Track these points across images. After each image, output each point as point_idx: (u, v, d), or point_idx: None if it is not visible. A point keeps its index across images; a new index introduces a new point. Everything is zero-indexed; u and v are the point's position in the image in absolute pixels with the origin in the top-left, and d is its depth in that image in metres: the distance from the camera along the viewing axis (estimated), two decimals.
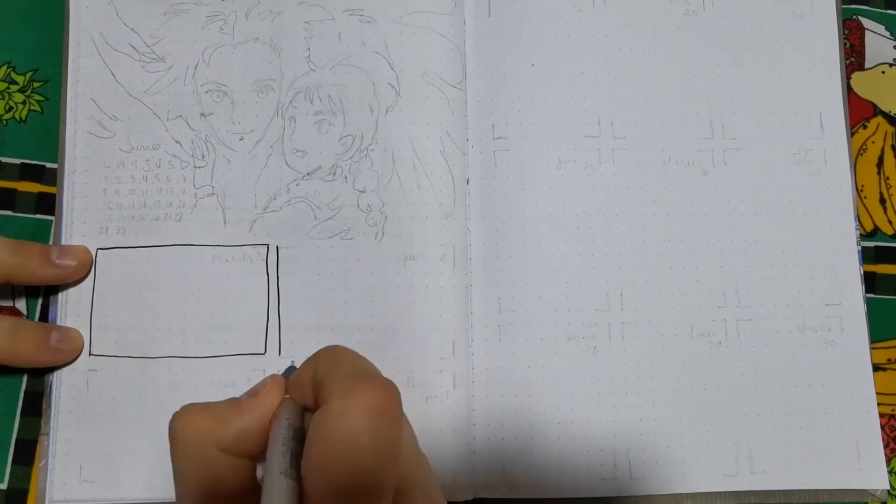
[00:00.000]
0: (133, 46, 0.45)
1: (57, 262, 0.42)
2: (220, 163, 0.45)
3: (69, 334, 0.42)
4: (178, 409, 0.41)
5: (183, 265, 0.43)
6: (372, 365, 0.31)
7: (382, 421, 0.28)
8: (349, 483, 0.26)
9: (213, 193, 0.44)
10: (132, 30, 0.46)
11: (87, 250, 0.43)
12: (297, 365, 0.36)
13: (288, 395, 0.31)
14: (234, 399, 0.31)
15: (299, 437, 0.29)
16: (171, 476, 0.41)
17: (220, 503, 0.29)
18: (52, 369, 0.42)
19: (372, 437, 0.27)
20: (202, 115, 0.45)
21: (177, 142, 0.45)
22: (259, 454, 0.30)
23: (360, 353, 0.42)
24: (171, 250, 0.44)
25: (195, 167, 0.45)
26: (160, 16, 0.46)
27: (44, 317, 0.44)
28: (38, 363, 0.42)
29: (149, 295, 0.43)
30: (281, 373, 0.34)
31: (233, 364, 0.43)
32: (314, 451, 0.27)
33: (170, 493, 0.41)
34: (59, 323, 0.43)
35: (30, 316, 0.44)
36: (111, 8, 0.46)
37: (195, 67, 0.45)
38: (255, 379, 0.42)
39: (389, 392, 0.28)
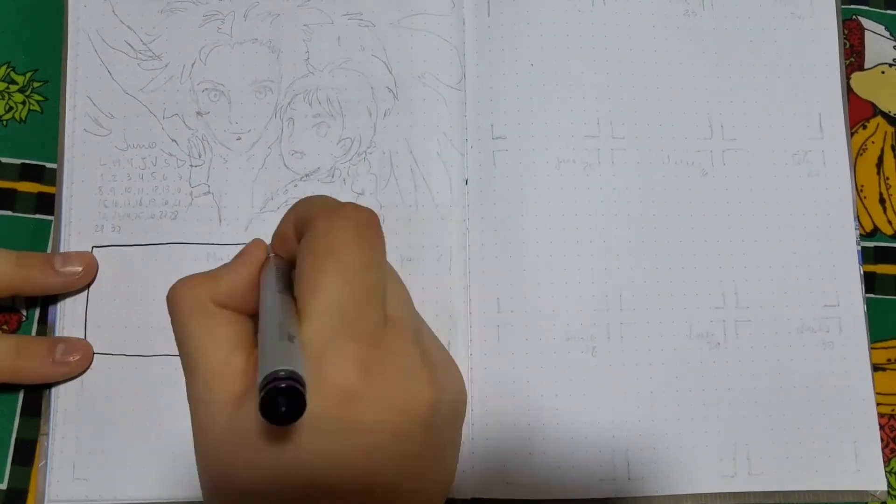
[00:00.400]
0: (129, 44, 0.46)
1: (61, 269, 0.42)
2: (216, 162, 0.45)
3: (75, 345, 0.42)
4: (172, 406, 0.42)
5: (178, 264, 0.43)
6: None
7: (367, 232, 0.29)
8: (344, 291, 0.28)
9: (208, 192, 0.44)
10: (128, 27, 0.46)
11: (91, 255, 0.43)
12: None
13: (272, 254, 0.33)
14: (224, 264, 0.33)
15: (289, 284, 0.30)
16: (169, 475, 0.42)
17: (226, 354, 0.30)
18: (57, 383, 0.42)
19: (358, 247, 0.29)
20: (199, 113, 0.45)
21: (173, 140, 0.45)
22: (254, 310, 0.31)
23: None
24: (166, 248, 0.44)
25: (191, 166, 0.45)
26: (157, 13, 0.46)
27: (44, 316, 0.43)
28: (45, 379, 0.42)
29: (144, 293, 0.43)
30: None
31: None
32: (306, 267, 0.29)
33: (167, 492, 0.41)
34: (57, 322, 0.43)
35: (30, 316, 0.44)
36: (108, 5, 0.46)
37: (192, 66, 0.45)
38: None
39: (368, 211, 0.30)
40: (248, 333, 0.31)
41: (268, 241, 0.33)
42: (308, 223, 0.30)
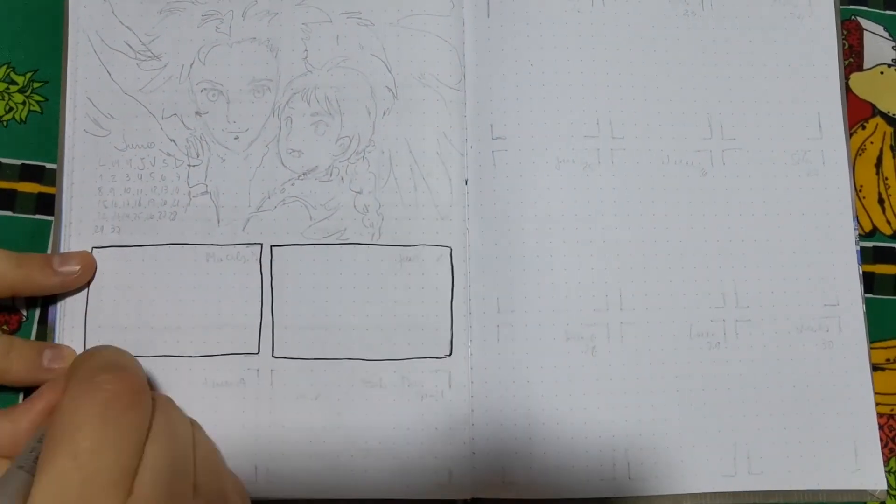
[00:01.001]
0: (129, 44, 0.46)
1: (60, 269, 0.42)
2: (214, 161, 0.45)
3: (62, 353, 0.42)
4: None
5: (177, 264, 0.43)
6: (128, 360, 0.31)
7: (116, 407, 0.27)
8: (70, 478, 0.26)
9: (206, 192, 0.44)
10: (128, 28, 0.46)
11: (89, 254, 0.43)
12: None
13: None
14: (15, 405, 0.31)
15: None
16: None
17: None
18: None
19: (100, 426, 0.27)
20: (197, 113, 0.45)
21: (171, 140, 0.45)
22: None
23: (359, 353, 0.42)
24: (165, 249, 0.44)
25: (189, 166, 0.45)
26: (156, 14, 0.46)
27: (44, 316, 0.43)
28: (30, 383, 0.41)
29: (143, 294, 0.43)
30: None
31: (226, 363, 0.43)
32: (44, 445, 0.27)
33: None
34: (57, 323, 0.43)
35: (30, 316, 0.44)
36: (107, 6, 0.46)
37: (190, 66, 0.45)
38: (249, 378, 0.42)
39: (124, 382, 0.28)
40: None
41: None
42: (67, 385, 0.29)
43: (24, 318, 0.44)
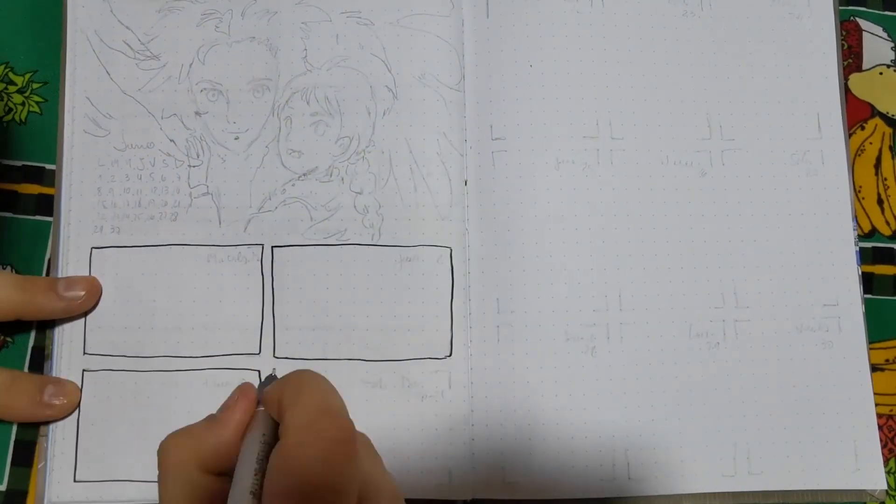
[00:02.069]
0: (128, 44, 0.45)
1: (64, 294, 0.42)
2: (214, 162, 0.45)
3: (65, 388, 0.42)
4: (171, 407, 0.42)
5: (177, 265, 0.43)
6: (336, 397, 0.32)
7: (338, 453, 0.28)
8: None
9: (207, 193, 0.44)
10: (126, 27, 0.45)
11: (94, 279, 0.43)
12: (278, 374, 0.36)
13: (261, 408, 0.32)
14: (210, 415, 0.32)
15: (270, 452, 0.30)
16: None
17: None
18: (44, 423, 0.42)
19: (324, 472, 0.28)
20: (197, 113, 0.45)
21: (171, 140, 0.45)
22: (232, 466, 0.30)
23: (359, 354, 0.42)
24: (165, 250, 0.43)
25: (190, 166, 0.44)
26: (154, 13, 0.46)
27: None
28: (30, 419, 0.41)
29: (143, 294, 0.43)
30: (263, 379, 0.34)
31: (227, 364, 0.42)
32: (270, 483, 0.28)
33: None
34: (56, 323, 0.43)
35: (18, 341, 0.43)
36: (106, 5, 0.46)
37: (190, 66, 0.45)
38: (250, 379, 0.42)
39: (343, 428, 0.29)
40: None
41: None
42: (285, 422, 0.30)
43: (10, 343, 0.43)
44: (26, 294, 0.41)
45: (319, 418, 0.30)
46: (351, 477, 0.29)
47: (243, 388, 0.33)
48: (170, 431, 0.41)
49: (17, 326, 0.43)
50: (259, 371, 0.42)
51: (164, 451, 0.31)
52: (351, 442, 0.29)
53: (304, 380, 0.32)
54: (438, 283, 0.43)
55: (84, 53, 0.45)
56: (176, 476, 0.30)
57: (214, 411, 0.41)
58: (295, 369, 0.32)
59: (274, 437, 0.30)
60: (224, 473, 0.31)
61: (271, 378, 0.32)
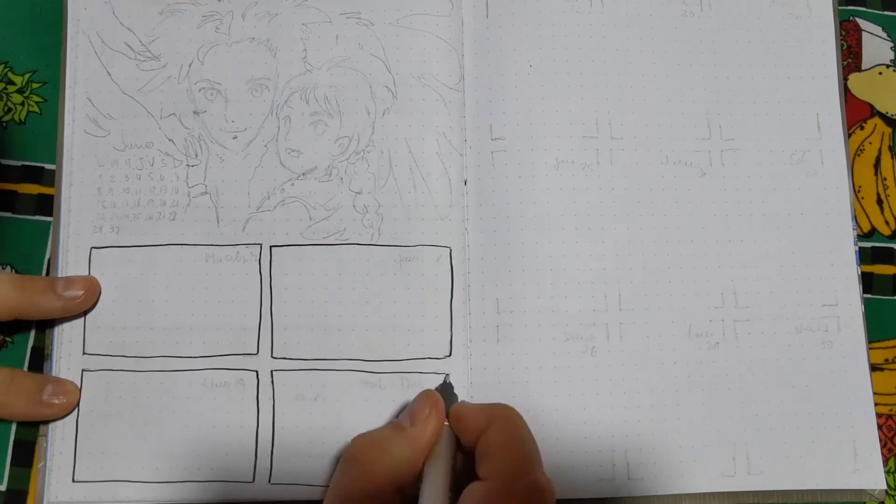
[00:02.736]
0: (129, 45, 0.45)
1: (63, 294, 0.41)
2: (213, 161, 0.45)
3: (64, 387, 0.41)
4: (170, 407, 0.42)
5: (176, 264, 0.43)
6: (535, 446, 0.34)
7: None
8: None
9: (206, 192, 0.44)
10: (128, 29, 0.46)
11: (93, 279, 0.43)
12: (451, 381, 0.40)
13: (447, 424, 0.34)
14: (396, 424, 0.35)
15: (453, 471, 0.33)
16: (168, 477, 0.42)
17: None
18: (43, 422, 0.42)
19: None
20: (195, 112, 0.45)
21: (170, 140, 0.45)
22: (413, 481, 0.32)
23: (358, 354, 0.42)
24: (164, 250, 0.43)
25: (188, 166, 0.44)
26: (156, 15, 0.46)
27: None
28: (28, 418, 0.41)
29: (142, 294, 0.43)
30: (435, 387, 0.37)
31: (225, 364, 0.42)
32: None
33: (166, 493, 0.41)
34: (56, 324, 0.43)
35: (17, 341, 0.44)
36: (108, 7, 0.46)
37: (189, 66, 0.45)
38: (248, 379, 0.42)
39: (543, 490, 0.32)
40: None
41: None
42: (490, 463, 0.32)
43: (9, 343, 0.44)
44: (25, 294, 0.41)
45: (522, 474, 0.32)
46: None
47: (433, 400, 0.35)
48: (170, 432, 0.41)
49: (17, 326, 0.43)
50: (256, 371, 0.42)
51: (351, 457, 0.34)
52: (551, 499, 0.32)
53: (512, 427, 0.34)
54: (438, 283, 0.43)
55: (86, 55, 0.45)
56: (355, 486, 0.32)
57: (212, 411, 0.42)
58: (498, 403, 0.35)
59: (455, 457, 0.32)
60: (401, 487, 0.33)
61: (447, 386, 0.33)
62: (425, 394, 0.36)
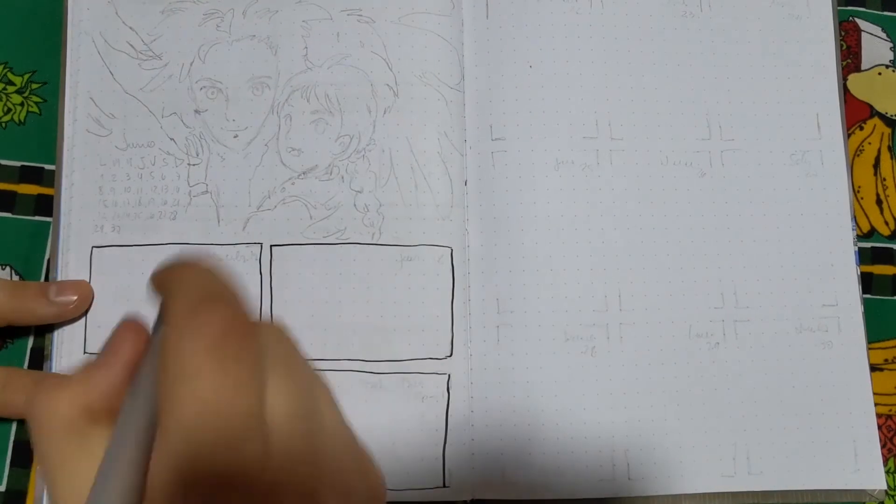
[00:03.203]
0: (131, 45, 0.45)
1: (56, 299, 0.41)
2: (214, 160, 0.44)
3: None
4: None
5: None
6: (219, 283, 0.26)
7: (226, 347, 0.23)
8: (196, 432, 0.22)
9: (206, 191, 0.44)
10: (131, 28, 0.45)
11: (85, 284, 0.42)
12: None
13: (153, 330, 0.27)
14: (87, 362, 0.26)
15: None
16: None
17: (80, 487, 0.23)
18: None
19: (214, 370, 0.22)
20: (196, 111, 0.45)
21: (171, 139, 0.45)
22: None
23: (359, 354, 0.42)
24: (165, 249, 0.43)
25: (189, 165, 0.44)
26: (158, 14, 0.46)
27: None
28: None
29: (143, 293, 0.43)
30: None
31: None
32: (159, 392, 0.22)
33: None
34: (56, 324, 0.42)
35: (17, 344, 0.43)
36: (111, 7, 0.46)
37: (190, 64, 0.45)
38: None
39: (226, 315, 0.23)
40: None
41: None
42: (165, 323, 0.24)
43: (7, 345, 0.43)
44: (17, 300, 0.40)
45: (194, 314, 0.23)
46: (249, 368, 0.23)
47: (125, 320, 0.27)
48: None
49: (15, 328, 0.43)
50: None
51: (35, 413, 0.25)
52: (239, 326, 0.23)
53: (173, 269, 0.27)
54: (439, 283, 0.43)
55: (88, 55, 0.45)
56: (55, 432, 0.24)
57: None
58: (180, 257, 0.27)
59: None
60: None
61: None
62: (120, 322, 0.28)
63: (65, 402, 0.24)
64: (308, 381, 0.25)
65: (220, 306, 0.24)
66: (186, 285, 0.26)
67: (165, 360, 0.23)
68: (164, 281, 0.26)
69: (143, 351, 0.26)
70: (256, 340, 0.24)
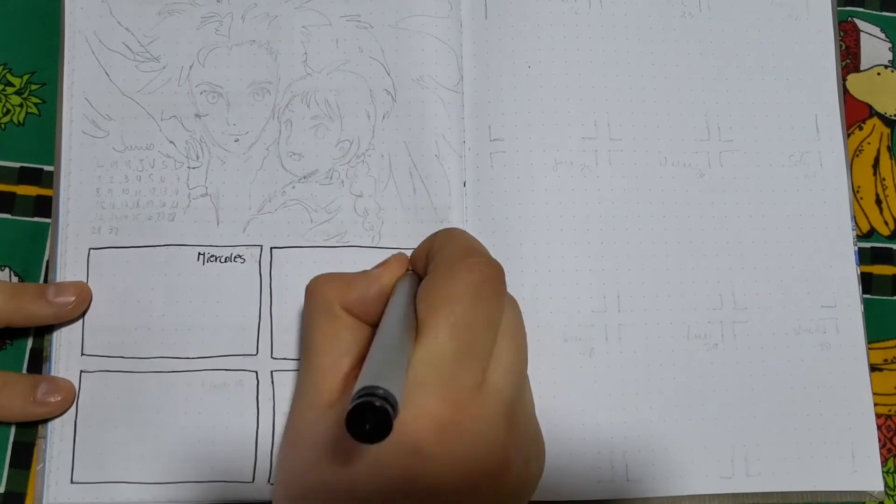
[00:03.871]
0: (127, 46, 0.45)
1: (54, 300, 0.41)
2: (214, 164, 0.45)
3: (58, 385, 0.41)
4: (170, 408, 0.42)
5: (175, 265, 0.43)
6: (482, 246, 0.34)
7: (487, 290, 0.30)
8: (445, 346, 0.29)
9: (206, 194, 0.44)
10: (126, 29, 0.46)
11: (84, 285, 0.43)
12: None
13: (411, 270, 0.34)
14: (364, 270, 0.35)
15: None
16: (168, 478, 0.42)
17: (337, 357, 0.32)
18: (42, 421, 0.42)
19: (473, 303, 0.29)
20: (197, 115, 0.45)
21: (171, 142, 0.45)
22: (377, 321, 0.32)
23: None
24: (163, 250, 0.43)
25: (189, 167, 0.44)
26: (154, 15, 0.46)
27: None
28: (24, 418, 0.41)
29: (141, 295, 0.43)
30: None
31: (224, 365, 0.42)
32: (421, 309, 0.30)
33: (165, 495, 0.41)
34: (55, 325, 0.43)
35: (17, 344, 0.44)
36: (105, 7, 0.46)
37: (190, 68, 0.45)
38: (247, 380, 0.42)
39: (495, 268, 0.31)
40: (365, 343, 0.32)
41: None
42: (436, 261, 0.31)
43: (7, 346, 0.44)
44: (15, 301, 0.41)
45: (469, 255, 0.31)
46: (498, 315, 0.30)
47: (398, 253, 0.36)
48: (169, 433, 0.41)
49: (13, 329, 0.43)
50: (256, 372, 0.42)
51: (311, 289, 0.34)
52: (499, 282, 0.31)
53: (452, 231, 0.35)
54: None
55: (83, 55, 0.45)
56: (319, 309, 0.33)
57: (212, 412, 0.42)
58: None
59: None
60: (362, 319, 0.33)
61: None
62: (394, 254, 0.37)
63: (332, 291, 0.33)
64: (524, 357, 0.33)
65: (485, 259, 0.31)
66: (455, 240, 0.33)
67: (435, 283, 0.30)
68: (430, 244, 0.34)
69: (401, 277, 0.34)
70: (505, 297, 0.31)
